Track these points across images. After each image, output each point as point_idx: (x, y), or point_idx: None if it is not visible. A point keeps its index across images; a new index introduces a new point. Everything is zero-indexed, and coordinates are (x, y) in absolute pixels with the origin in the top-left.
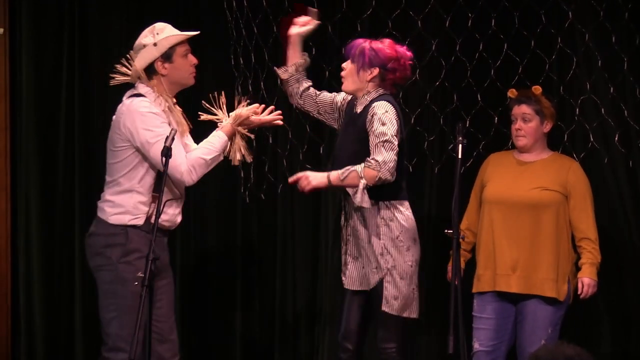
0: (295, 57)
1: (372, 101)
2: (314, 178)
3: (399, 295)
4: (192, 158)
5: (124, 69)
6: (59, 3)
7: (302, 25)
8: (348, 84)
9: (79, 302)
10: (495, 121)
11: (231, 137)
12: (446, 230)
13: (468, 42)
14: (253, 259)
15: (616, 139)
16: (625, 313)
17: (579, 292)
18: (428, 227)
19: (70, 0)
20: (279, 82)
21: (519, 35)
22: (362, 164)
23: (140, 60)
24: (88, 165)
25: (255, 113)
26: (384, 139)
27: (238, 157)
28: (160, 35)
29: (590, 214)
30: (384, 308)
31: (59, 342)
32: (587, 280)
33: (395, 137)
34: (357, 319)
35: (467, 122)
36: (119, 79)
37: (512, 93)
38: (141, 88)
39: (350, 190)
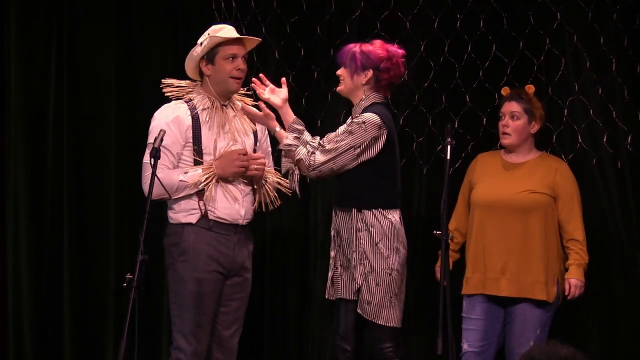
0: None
1: (363, 111)
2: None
3: (372, 300)
4: (161, 175)
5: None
6: (47, 3)
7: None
8: (343, 87)
9: (67, 305)
10: (484, 122)
11: (209, 176)
12: (435, 232)
13: (457, 43)
14: None
15: (604, 139)
16: (614, 313)
17: (566, 293)
18: (417, 228)
19: (59, 0)
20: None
21: (507, 36)
22: (306, 150)
23: (189, 59)
24: (77, 165)
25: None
26: (337, 147)
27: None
28: (210, 36)
29: (578, 215)
30: (358, 310)
31: (47, 345)
32: (574, 282)
33: (352, 149)
34: (353, 320)
35: (456, 123)
36: (171, 90)
37: (505, 91)
38: (193, 89)
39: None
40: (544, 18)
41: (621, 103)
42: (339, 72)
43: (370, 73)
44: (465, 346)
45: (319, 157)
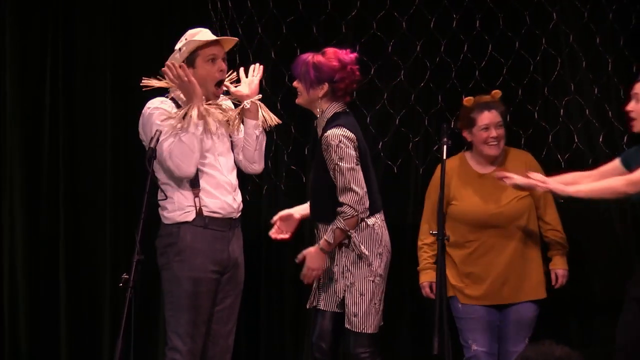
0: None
1: (327, 124)
2: (313, 262)
3: (358, 312)
4: (164, 146)
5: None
6: (43, 4)
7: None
8: (301, 100)
9: (63, 305)
10: None
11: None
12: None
13: (453, 43)
14: None
15: (600, 139)
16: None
17: (552, 284)
18: (412, 228)
19: (55, 1)
20: None
21: (503, 36)
22: (340, 218)
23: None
24: (73, 166)
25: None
26: (348, 179)
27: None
28: (187, 40)
29: (552, 203)
30: (346, 325)
31: (43, 345)
32: (561, 272)
33: (353, 170)
34: (331, 320)
35: (452, 123)
36: (152, 83)
37: (468, 102)
38: (173, 89)
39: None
40: (540, 18)
41: (617, 103)
42: (295, 84)
43: (325, 86)
44: (474, 346)
45: (346, 210)
